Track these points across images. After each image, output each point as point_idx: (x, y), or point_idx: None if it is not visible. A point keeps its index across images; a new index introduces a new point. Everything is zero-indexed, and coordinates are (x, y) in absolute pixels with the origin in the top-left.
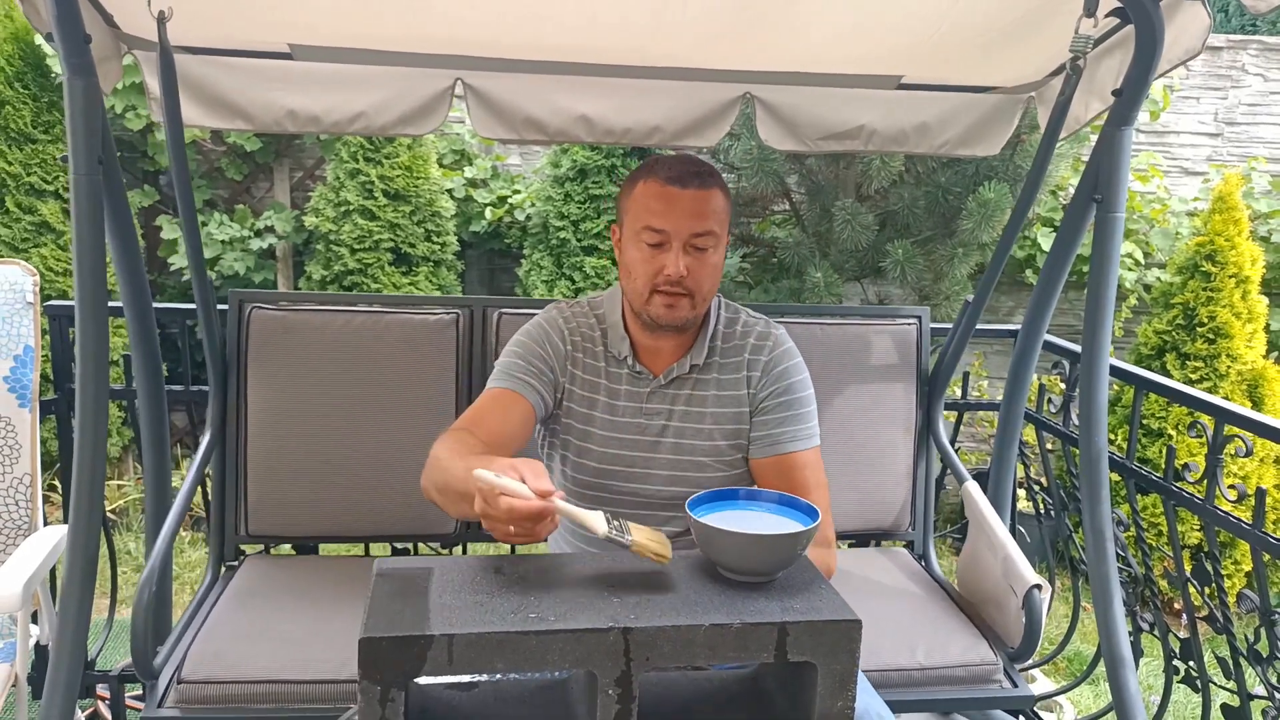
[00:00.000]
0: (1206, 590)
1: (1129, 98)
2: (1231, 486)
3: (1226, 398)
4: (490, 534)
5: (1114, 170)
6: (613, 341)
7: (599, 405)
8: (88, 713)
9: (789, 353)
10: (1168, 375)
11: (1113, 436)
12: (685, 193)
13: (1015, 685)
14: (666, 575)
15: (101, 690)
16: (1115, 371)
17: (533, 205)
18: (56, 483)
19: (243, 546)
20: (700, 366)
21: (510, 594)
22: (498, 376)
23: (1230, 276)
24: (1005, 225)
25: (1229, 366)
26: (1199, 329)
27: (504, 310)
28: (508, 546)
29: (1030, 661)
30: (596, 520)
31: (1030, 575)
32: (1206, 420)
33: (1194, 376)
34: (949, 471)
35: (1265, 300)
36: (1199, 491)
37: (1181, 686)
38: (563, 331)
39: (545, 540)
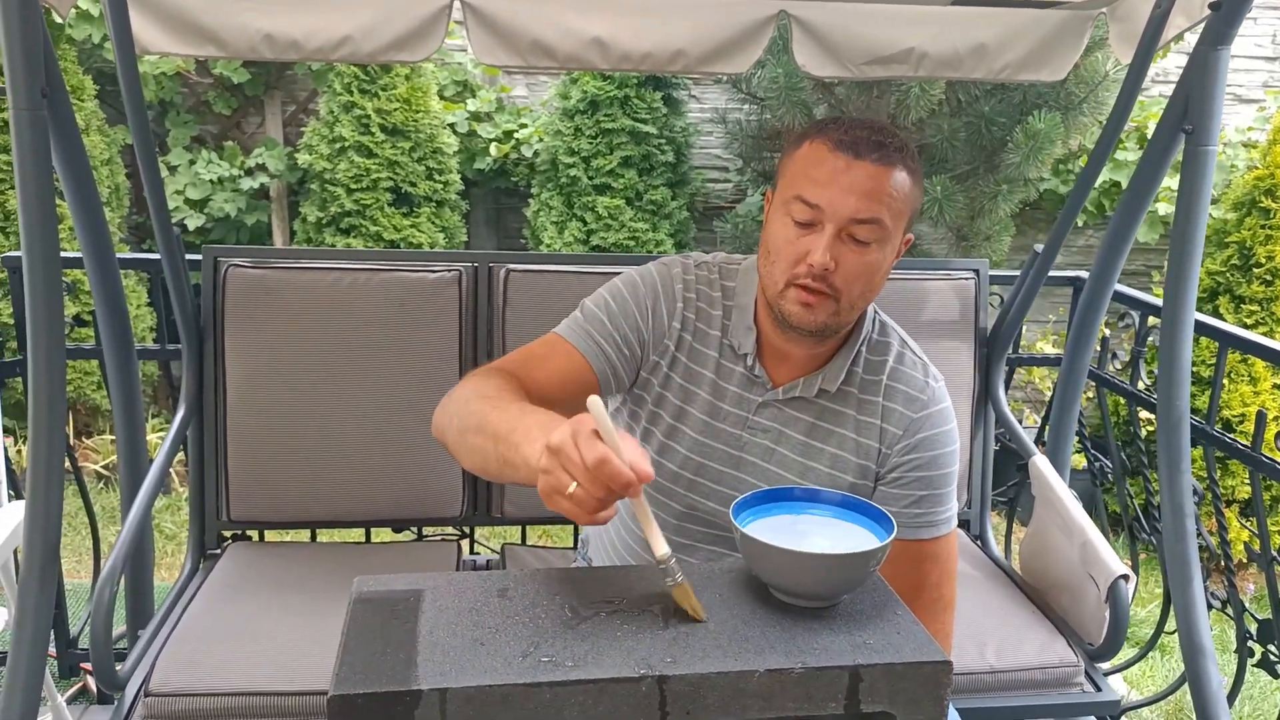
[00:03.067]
0: None
1: (1229, 11)
2: None
3: None
4: (543, 502)
5: (1208, 97)
6: (735, 329)
7: (698, 401)
8: (74, 689)
9: (944, 415)
10: (1221, 319)
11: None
12: (857, 164)
13: (1099, 689)
14: (708, 599)
15: (88, 664)
16: (1199, 327)
17: (540, 140)
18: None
19: (225, 533)
20: (831, 395)
21: (518, 628)
22: (570, 324)
23: None
24: (1068, 160)
25: None
26: (1255, 270)
27: (512, 267)
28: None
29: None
30: (659, 540)
31: (1115, 564)
32: None
33: (1249, 321)
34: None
35: None
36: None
37: (1255, 670)
38: (675, 301)
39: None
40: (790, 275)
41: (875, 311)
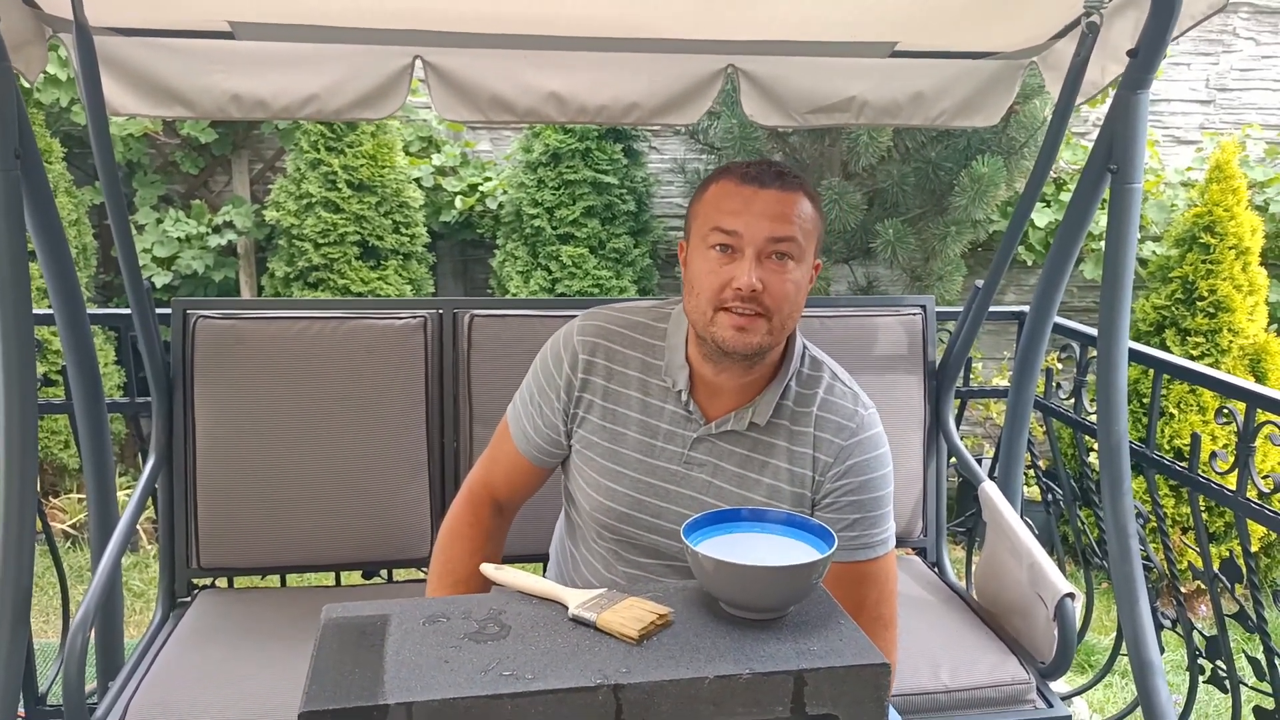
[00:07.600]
0: (1238, 587)
1: (1145, 59)
2: (1267, 477)
3: (1229, 373)
4: None
5: (1130, 138)
6: (669, 367)
7: (627, 441)
8: None
9: (874, 441)
10: (1167, 352)
11: None
12: (764, 191)
13: (1050, 705)
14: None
15: None
16: (1133, 355)
17: (505, 193)
18: None
19: (195, 580)
20: (761, 428)
21: (481, 645)
22: (512, 412)
23: (1230, 248)
24: (1014, 202)
25: (1231, 341)
26: (1199, 303)
27: (476, 312)
28: None
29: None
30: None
31: (1061, 584)
32: (1237, 406)
33: (1195, 352)
34: (952, 460)
35: (1265, 272)
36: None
37: (1206, 686)
38: (577, 356)
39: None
40: (717, 301)
41: (805, 346)
